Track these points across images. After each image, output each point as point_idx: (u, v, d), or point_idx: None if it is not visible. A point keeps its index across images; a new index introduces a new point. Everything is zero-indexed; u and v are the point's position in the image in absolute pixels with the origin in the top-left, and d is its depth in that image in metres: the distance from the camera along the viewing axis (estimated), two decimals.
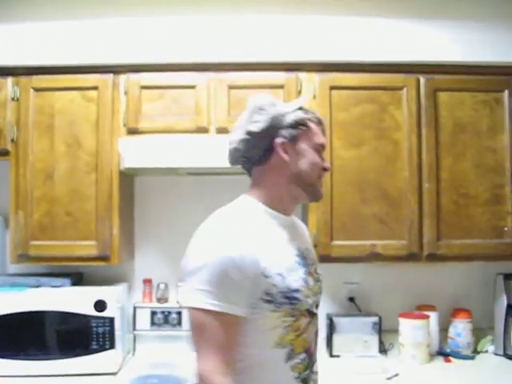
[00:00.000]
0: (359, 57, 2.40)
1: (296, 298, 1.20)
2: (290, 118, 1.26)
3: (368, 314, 2.57)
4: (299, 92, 2.37)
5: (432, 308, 2.55)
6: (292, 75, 2.38)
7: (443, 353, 2.52)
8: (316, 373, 1.31)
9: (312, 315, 1.27)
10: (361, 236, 2.36)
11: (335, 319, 2.52)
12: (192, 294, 1.14)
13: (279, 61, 2.39)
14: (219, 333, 1.10)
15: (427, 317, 2.45)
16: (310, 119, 1.29)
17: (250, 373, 1.18)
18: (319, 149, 1.31)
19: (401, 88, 2.40)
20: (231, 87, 2.37)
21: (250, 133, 1.25)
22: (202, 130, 2.37)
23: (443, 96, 2.42)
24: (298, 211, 2.53)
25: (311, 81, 2.39)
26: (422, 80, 2.41)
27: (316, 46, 2.39)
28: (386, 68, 2.42)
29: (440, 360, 2.47)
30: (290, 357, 1.20)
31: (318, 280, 1.35)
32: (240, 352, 1.16)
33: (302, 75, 2.39)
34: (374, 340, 2.53)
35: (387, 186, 2.38)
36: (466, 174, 2.40)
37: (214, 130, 2.37)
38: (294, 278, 1.21)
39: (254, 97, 1.32)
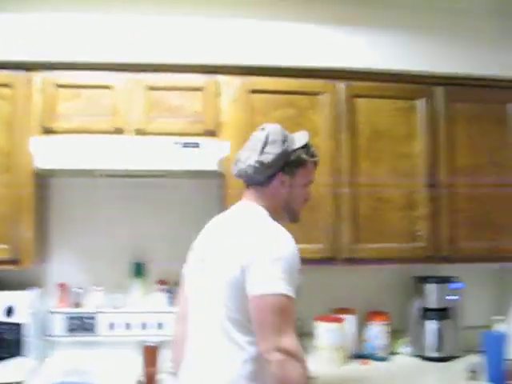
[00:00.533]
0: (279, 61, 2.60)
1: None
2: (295, 157, 1.66)
3: None
4: (218, 95, 2.58)
5: (349, 311, 2.83)
6: (211, 78, 2.55)
7: (360, 355, 2.81)
8: None
9: None
10: None
11: None
12: (277, 282, 1.44)
13: (198, 63, 2.55)
14: (294, 314, 1.46)
15: (342, 320, 2.71)
16: (310, 160, 1.71)
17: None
18: (308, 184, 1.74)
19: (320, 93, 2.63)
20: (149, 88, 2.52)
21: (260, 163, 1.62)
22: (120, 132, 2.50)
23: (361, 102, 2.66)
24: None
25: (231, 84, 2.57)
26: (341, 86, 2.65)
27: (236, 49, 2.57)
28: (306, 73, 2.63)
29: (357, 362, 2.77)
30: None
31: None
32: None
33: (222, 78, 2.57)
34: None
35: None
36: (382, 178, 2.67)
37: (132, 132, 2.51)
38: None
39: (270, 126, 1.70)
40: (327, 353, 2.66)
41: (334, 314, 2.79)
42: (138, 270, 2.80)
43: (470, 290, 2.94)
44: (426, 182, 2.69)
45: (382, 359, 2.74)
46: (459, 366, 2.63)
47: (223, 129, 2.57)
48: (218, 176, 2.62)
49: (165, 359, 2.39)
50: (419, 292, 2.81)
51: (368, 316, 2.83)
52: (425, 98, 2.74)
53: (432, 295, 2.79)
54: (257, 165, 1.63)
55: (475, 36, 2.83)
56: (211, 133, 2.55)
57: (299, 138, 1.71)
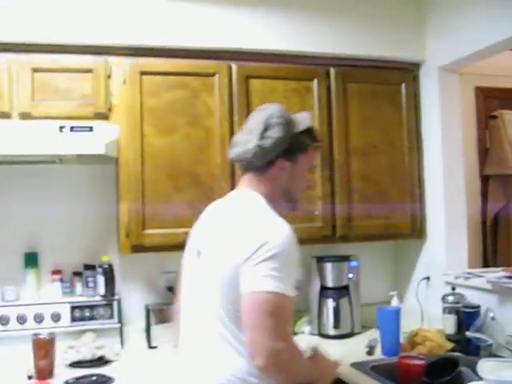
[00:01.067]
0: (170, 42, 2.74)
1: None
2: (297, 142, 1.69)
3: None
4: (108, 77, 2.68)
5: None
6: (100, 59, 2.66)
7: None
8: None
9: None
10: (174, 224, 2.71)
11: (154, 309, 3.02)
12: (269, 280, 1.47)
13: (86, 43, 2.65)
14: (288, 314, 1.52)
15: None
16: (312, 145, 1.74)
17: None
18: (311, 170, 1.79)
19: (213, 74, 2.79)
20: (35, 70, 2.60)
21: (260, 147, 1.63)
22: (4, 116, 2.58)
23: (255, 83, 2.86)
24: (113, 198, 2.98)
25: (121, 65, 2.68)
26: (234, 67, 2.83)
27: (125, 29, 2.69)
28: (198, 54, 2.78)
29: None
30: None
31: None
32: None
33: (112, 59, 2.68)
34: None
35: (200, 173, 2.76)
36: None
37: (17, 116, 2.59)
38: None
39: (271, 106, 1.73)
40: None
41: None
42: (32, 261, 2.90)
43: (368, 267, 3.28)
44: (322, 161, 2.92)
45: None
46: (357, 342, 2.95)
47: (114, 112, 2.70)
48: (111, 161, 2.82)
49: (59, 351, 2.56)
50: (319, 271, 3.12)
51: None
52: (319, 78, 2.96)
53: (330, 274, 3.10)
54: (256, 149, 1.63)
55: (369, 18, 3.08)
56: (101, 116, 2.66)
57: (302, 120, 1.71)
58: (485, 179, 3.57)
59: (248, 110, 2.83)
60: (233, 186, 2.71)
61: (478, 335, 2.40)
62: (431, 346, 2.64)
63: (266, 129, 1.66)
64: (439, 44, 3.05)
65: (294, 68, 2.92)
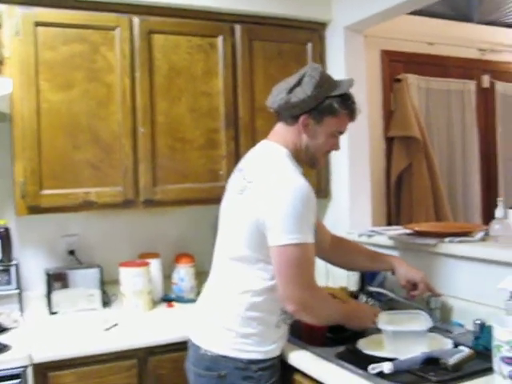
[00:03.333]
0: None
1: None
2: (326, 104, 1.81)
3: (89, 266, 3.01)
4: None
5: (155, 255, 3.06)
6: None
7: (167, 299, 3.07)
8: None
9: None
10: (73, 184, 2.64)
11: (54, 274, 2.94)
12: (288, 233, 1.72)
13: None
14: (309, 260, 1.80)
15: (147, 264, 2.94)
16: (343, 112, 1.84)
17: (275, 291, 1.83)
18: (336, 135, 1.88)
19: (113, 28, 2.70)
20: None
21: (286, 101, 1.81)
22: None
23: (158, 38, 2.78)
24: (7, 157, 2.85)
25: (13, 15, 2.55)
26: (136, 21, 2.75)
27: None
28: (98, 6, 2.68)
29: (163, 306, 3.05)
30: None
31: None
32: (268, 274, 1.83)
33: (2, 7, 2.54)
34: (97, 293, 3.02)
35: (100, 130, 2.69)
36: (181, 118, 2.84)
37: None
38: None
39: (312, 65, 1.89)
40: (133, 298, 2.87)
41: (140, 259, 3.03)
42: None
43: None
44: (226, 120, 2.93)
45: (189, 301, 3.01)
46: None
47: (6, 65, 2.56)
48: (3, 117, 2.69)
49: None
50: None
51: (175, 259, 3.11)
52: (224, 35, 2.93)
53: None
54: (282, 102, 1.81)
55: None
56: None
57: (341, 86, 1.83)
58: (389, 140, 3.66)
59: (150, 65, 2.79)
60: (135, 145, 2.68)
61: (379, 290, 2.48)
62: None
63: (297, 84, 1.80)
64: (345, 4, 3.10)
65: (199, 24, 2.88)
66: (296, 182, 1.74)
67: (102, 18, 2.72)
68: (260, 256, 1.78)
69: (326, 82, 1.81)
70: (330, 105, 1.80)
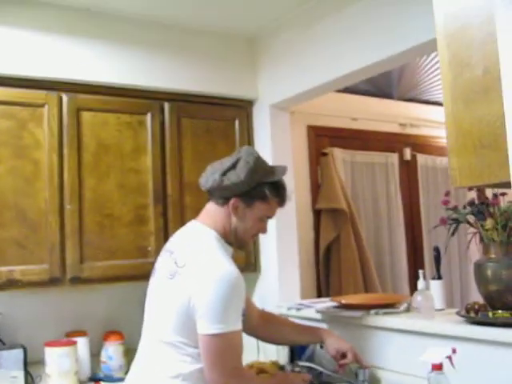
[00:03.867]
0: None
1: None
2: (258, 190, 1.87)
3: (13, 347, 2.92)
4: None
5: (82, 333, 3.00)
6: None
7: (95, 378, 2.98)
8: None
9: None
10: None
11: None
12: (219, 323, 1.75)
13: None
14: (238, 347, 1.83)
15: (74, 343, 2.87)
16: (274, 199, 1.91)
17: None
18: (265, 219, 1.91)
19: (42, 105, 2.74)
20: None
21: (218, 183, 1.86)
22: None
23: (86, 115, 2.83)
24: None
25: None
26: (65, 98, 2.79)
27: None
28: (27, 83, 2.71)
29: None
30: None
31: None
32: (196, 361, 1.82)
33: None
34: (21, 374, 2.91)
35: (26, 207, 2.67)
36: (109, 194, 2.88)
37: None
38: None
39: (246, 150, 1.94)
40: (59, 380, 2.78)
41: (66, 337, 2.95)
42: None
43: None
44: (155, 197, 2.96)
45: (118, 380, 2.94)
46: None
47: None
48: None
49: None
50: None
51: (103, 337, 3.05)
52: (153, 112, 3.01)
53: None
54: (215, 183, 1.85)
55: (204, 55, 3.19)
56: None
57: (274, 173, 1.92)
58: (317, 213, 3.76)
59: (78, 142, 2.81)
60: (62, 221, 2.67)
61: (308, 364, 2.51)
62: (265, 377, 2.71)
63: (231, 167, 1.84)
64: (270, 83, 3.23)
65: (128, 101, 2.94)
66: (225, 269, 1.77)
67: (30, 95, 2.75)
68: (190, 342, 1.79)
69: (259, 168, 1.87)
70: (261, 191, 1.86)
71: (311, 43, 2.91)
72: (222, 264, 1.79)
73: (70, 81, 2.84)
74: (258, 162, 1.89)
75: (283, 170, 1.93)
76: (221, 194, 1.88)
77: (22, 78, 2.74)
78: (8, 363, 2.77)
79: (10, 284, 2.63)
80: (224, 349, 1.73)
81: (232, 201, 1.86)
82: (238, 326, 1.76)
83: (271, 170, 1.92)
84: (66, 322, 3.00)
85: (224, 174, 1.85)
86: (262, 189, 1.86)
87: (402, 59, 2.61)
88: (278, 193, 1.90)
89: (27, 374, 2.79)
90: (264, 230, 1.96)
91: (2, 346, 2.85)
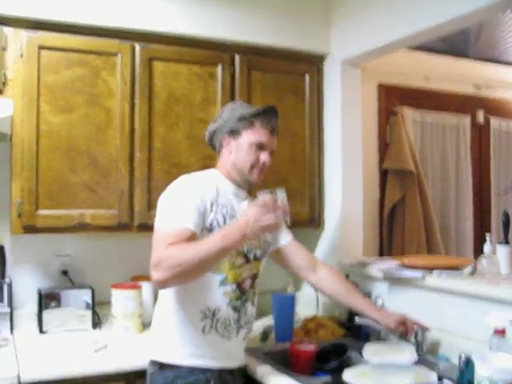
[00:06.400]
0: (72, 17, 2.69)
1: None
2: (239, 118, 1.98)
3: (81, 287, 3.04)
4: (4, 49, 2.59)
5: (147, 279, 3.09)
6: None
7: None
8: (250, 313, 2.10)
9: (247, 260, 2.03)
10: (69, 205, 2.68)
11: (46, 293, 2.96)
12: (158, 220, 1.99)
13: None
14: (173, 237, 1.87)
15: (139, 287, 2.98)
16: (257, 120, 1.98)
17: (193, 291, 1.92)
18: (257, 147, 1.97)
19: (115, 54, 2.77)
20: None
21: (210, 131, 2.09)
22: None
23: (158, 65, 2.85)
24: (6, 176, 2.89)
25: (18, 38, 2.61)
26: (138, 47, 2.82)
27: (24, 0, 2.63)
28: (101, 32, 2.75)
29: None
30: (222, 283, 1.95)
31: (259, 238, 2.03)
32: None
33: (8, 31, 2.60)
34: (88, 313, 3.04)
35: (98, 154, 2.74)
36: (178, 144, 2.89)
37: None
38: (234, 222, 1.88)
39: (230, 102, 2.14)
40: (124, 321, 2.88)
41: (132, 281, 3.05)
42: None
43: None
44: None
45: None
46: (253, 328, 3.01)
47: (8, 86, 2.62)
48: (4, 137, 2.74)
49: None
50: None
51: None
52: (223, 64, 3.00)
53: None
54: (209, 135, 2.11)
55: (276, 8, 3.15)
56: None
57: (251, 108, 2.06)
58: (384, 173, 3.71)
59: (150, 92, 2.84)
60: (131, 169, 2.73)
61: (366, 321, 2.50)
62: (323, 332, 2.74)
63: (217, 118, 2.11)
64: (343, 38, 3.16)
65: (199, 52, 2.95)
66: (177, 180, 2.05)
67: (104, 43, 2.79)
68: None
69: (240, 106, 2.06)
70: (244, 119, 1.98)
71: None
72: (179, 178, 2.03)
73: (143, 31, 2.86)
74: (238, 104, 2.12)
75: (268, 106, 2.06)
76: (216, 140, 2.09)
77: (96, 27, 2.78)
78: (77, 302, 2.89)
79: (81, 227, 2.71)
80: (155, 242, 1.86)
81: (224, 140, 2.04)
82: (180, 223, 1.85)
83: (252, 106, 2.11)
84: (132, 266, 3.08)
85: (213, 123, 2.10)
86: (245, 119, 1.99)
87: (477, 17, 2.50)
88: (260, 115, 2.00)
89: (94, 313, 2.90)
90: (262, 160, 2.02)
91: (72, 286, 2.96)
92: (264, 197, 1.73)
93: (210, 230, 1.89)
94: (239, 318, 2.01)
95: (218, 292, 1.94)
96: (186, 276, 1.76)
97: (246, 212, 1.76)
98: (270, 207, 1.71)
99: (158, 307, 2.08)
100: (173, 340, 1.97)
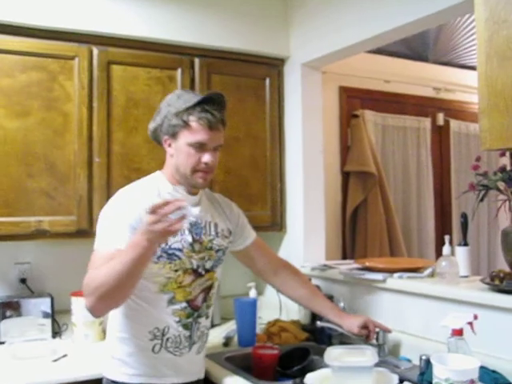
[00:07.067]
0: (28, 20, 2.64)
1: (176, 256, 1.83)
2: (177, 118, 1.82)
3: (41, 295, 2.97)
4: None
5: None
6: None
7: None
8: (204, 326, 1.98)
9: (199, 275, 1.91)
10: (26, 212, 2.62)
11: (4, 302, 2.89)
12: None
13: None
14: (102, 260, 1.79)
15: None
16: (191, 118, 1.81)
17: (141, 310, 1.86)
18: (197, 148, 1.81)
19: (72, 58, 2.72)
20: None
21: (151, 130, 1.95)
22: None
23: (117, 69, 2.81)
24: None
25: None
26: (96, 51, 2.77)
27: None
28: (58, 35, 2.70)
29: None
30: (170, 302, 1.85)
31: (209, 249, 1.96)
32: (134, 293, 1.76)
33: None
34: (48, 322, 2.97)
35: (55, 159, 2.69)
36: (138, 148, 2.86)
37: None
38: (177, 239, 1.82)
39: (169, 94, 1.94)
40: (84, 329, 2.82)
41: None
42: None
43: (228, 259, 3.33)
44: None
45: None
46: (216, 333, 2.99)
47: None
48: None
49: None
50: None
51: None
52: (183, 68, 2.97)
53: None
54: (150, 134, 1.98)
55: (237, 11, 3.13)
56: None
57: (189, 99, 1.84)
58: (345, 175, 3.73)
59: (108, 96, 2.81)
60: (90, 173, 2.68)
61: (328, 325, 2.50)
62: (286, 336, 2.73)
63: (156, 113, 1.93)
64: (303, 41, 3.17)
65: (158, 56, 2.92)
66: (112, 199, 1.96)
67: (61, 47, 2.74)
68: None
69: (177, 100, 1.87)
70: (180, 119, 1.82)
71: (345, 1, 2.82)
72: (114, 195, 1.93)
73: (101, 34, 2.81)
74: (176, 95, 1.92)
75: (194, 96, 1.89)
76: (157, 139, 1.96)
77: (54, 29, 2.72)
78: (36, 311, 2.84)
79: (39, 234, 2.66)
80: (88, 266, 1.81)
81: (164, 142, 1.90)
82: (113, 244, 1.77)
83: (189, 98, 1.87)
84: None
85: (152, 122, 1.96)
86: (181, 117, 1.83)
87: (437, 20, 2.53)
88: (196, 114, 1.82)
89: (54, 321, 2.84)
90: (204, 161, 1.86)
91: (31, 294, 2.90)
92: (154, 202, 1.57)
93: None
94: (191, 334, 1.93)
95: (166, 311, 1.86)
96: (111, 297, 1.64)
97: (143, 230, 1.59)
98: (161, 213, 1.52)
99: (109, 324, 2.00)
100: (124, 360, 1.89)
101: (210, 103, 1.84)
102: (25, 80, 2.66)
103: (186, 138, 1.81)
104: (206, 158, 1.84)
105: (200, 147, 1.82)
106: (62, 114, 2.72)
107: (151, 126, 1.94)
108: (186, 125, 1.80)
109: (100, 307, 1.67)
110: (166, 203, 1.52)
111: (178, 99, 1.86)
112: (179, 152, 1.84)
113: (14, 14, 2.65)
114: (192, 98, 1.84)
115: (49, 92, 2.69)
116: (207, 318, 1.99)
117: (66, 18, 2.74)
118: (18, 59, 2.67)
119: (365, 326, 2.25)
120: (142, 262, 1.60)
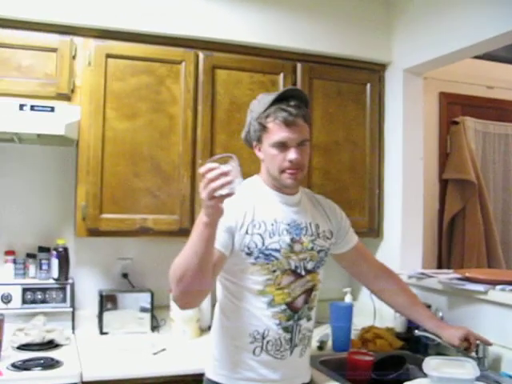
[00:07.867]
0: (139, 26, 2.75)
1: (273, 256, 1.82)
2: (257, 123, 1.87)
3: (141, 290, 3.07)
4: (73, 57, 2.66)
5: None
6: (66, 39, 2.64)
7: None
8: (306, 329, 1.93)
9: (299, 276, 1.88)
10: (131, 210, 2.72)
11: (107, 295, 3.02)
12: None
13: (52, 21, 2.63)
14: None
15: None
16: (268, 120, 1.84)
17: (241, 313, 1.86)
18: (277, 145, 1.83)
19: (179, 62, 2.81)
20: None
21: (243, 139, 2.03)
22: None
23: (221, 73, 2.89)
24: (71, 180, 2.97)
25: (87, 47, 2.68)
26: (201, 56, 2.85)
27: (94, 10, 2.68)
28: (166, 40, 2.79)
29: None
30: (269, 305, 1.84)
31: (310, 249, 1.93)
32: (233, 296, 1.85)
33: (78, 40, 2.67)
34: (147, 316, 3.08)
35: (161, 159, 2.78)
36: (240, 151, 2.94)
37: None
38: (274, 240, 1.82)
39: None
40: (182, 325, 2.90)
41: None
42: None
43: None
44: None
45: None
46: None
47: (76, 93, 2.70)
48: (71, 143, 2.81)
49: (8, 334, 2.54)
50: None
51: None
52: (285, 73, 3.00)
53: None
54: (244, 141, 2.03)
55: (339, 17, 3.13)
56: (63, 97, 2.64)
57: (267, 102, 1.87)
58: (444, 183, 3.64)
59: (212, 99, 2.86)
60: (193, 174, 2.74)
61: (426, 334, 2.45)
62: (381, 343, 2.70)
63: (245, 123, 1.99)
64: (406, 47, 3.12)
65: (262, 61, 2.95)
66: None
67: (169, 52, 2.83)
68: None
69: (258, 105, 1.91)
70: (259, 123, 1.87)
71: (449, 6, 2.78)
72: None
73: (207, 39, 2.88)
74: (255, 102, 1.95)
75: (266, 96, 1.91)
76: (250, 146, 2.01)
77: (162, 35, 2.82)
78: (136, 305, 2.93)
79: (143, 231, 2.75)
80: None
81: (255, 148, 1.97)
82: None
83: (267, 100, 1.89)
84: None
85: (243, 129, 2.03)
86: (260, 121, 1.87)
87: None
88: (270, 113, 1.84)
89: (153, 316, 2.92)
90: (288, 159, 1.84)
91: (132, 289, 2.99)
92: (205, 166, 1.50)
93: (249, 253, 1.83)
94: (292, 337, 1.89)
95: (266, 314, 1.85)
96: (186, 282, 1.62)
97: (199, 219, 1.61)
98: (212, 175, 1.47)
99: (212, 327, 2.04)
100: (226, 362, 1.91)
101: (286, 101, 1.82)
102: (135, 83, 2.75)
103: (267, 140, 1.84)
104: (290, 155, 1.82)
105: (282, 146, 1.82)
106: (168, 117, 2.80)
107: (242, 134, 1.99)
108: (265, 128, 1.83)
109: (180, 296, 1.69)
110: (209, 170, 1.48)
111: (258, 104, 1.89)
112: (266, 155, 1.87)
113: (126, 21, 2.77)
114: (268, 100, 1.85)
115: (156, 95, 2.78)
116: (309, 320, 1.94)
117: (174, 24, 2.83)
118: (129, 64, 2.77)
119: (465, 338, 2.17)
120: (205, 238, 1.56)
